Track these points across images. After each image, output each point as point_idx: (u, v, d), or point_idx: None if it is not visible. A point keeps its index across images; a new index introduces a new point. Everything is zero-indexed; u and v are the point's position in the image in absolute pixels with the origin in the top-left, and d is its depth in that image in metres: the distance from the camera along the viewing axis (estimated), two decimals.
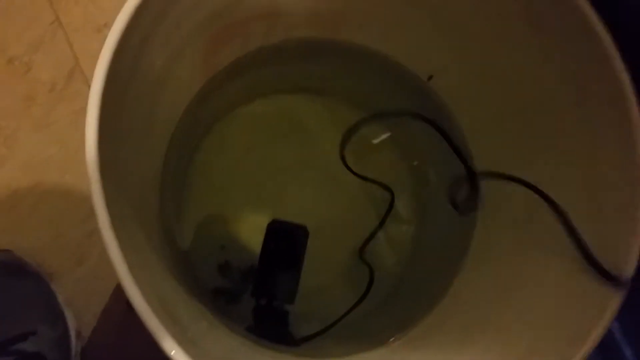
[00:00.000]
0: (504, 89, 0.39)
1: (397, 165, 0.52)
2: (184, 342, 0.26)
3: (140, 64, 0.31)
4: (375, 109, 0.50)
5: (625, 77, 0.31)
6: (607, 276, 0.29)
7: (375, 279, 0.46)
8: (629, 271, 0.28)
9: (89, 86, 0.60)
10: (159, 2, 0.30)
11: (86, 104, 0.63)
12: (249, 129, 0.50)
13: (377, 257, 0.48)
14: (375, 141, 0.52)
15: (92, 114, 0.27)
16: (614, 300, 0.29)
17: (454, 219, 0.43)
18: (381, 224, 0.48)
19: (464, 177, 0.42)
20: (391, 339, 0.40)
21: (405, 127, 0.49)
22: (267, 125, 0.51)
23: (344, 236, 0.50)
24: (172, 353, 0.24)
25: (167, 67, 0.35)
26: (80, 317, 0.51)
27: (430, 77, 0.45)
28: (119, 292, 0.52)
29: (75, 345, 0.48)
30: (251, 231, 0.48)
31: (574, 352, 0.29)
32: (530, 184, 0.36)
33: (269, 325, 0.44)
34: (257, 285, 0.45)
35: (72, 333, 0.48)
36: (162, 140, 0.41)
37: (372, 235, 0.48)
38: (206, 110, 0.46)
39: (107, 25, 0.61)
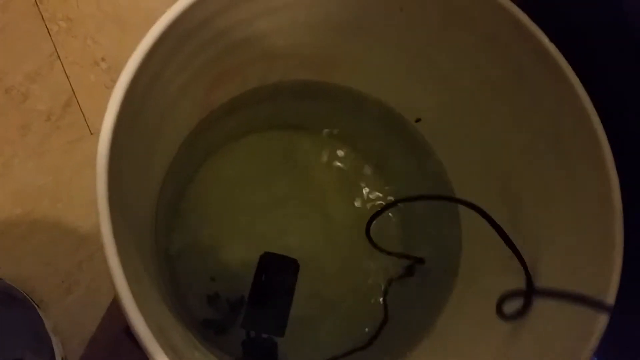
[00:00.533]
0: (488, 136, 0.42)
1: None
2: None
3: (146, 103, 0.33)
4: (366, 147, 0.52)
5: (598, 124, 0.33)
6: (592, 304, 0.31)
7: (367, 313, 0.47)
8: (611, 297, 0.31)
9: (85, 117, 0.62)
10: (170, 44, 0.32)
11: (81, 134, 0.64)
12: (242, 163, 0.52)
13: (369, 288, 0.49)
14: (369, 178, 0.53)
15: (103, 150, 0.28)
16: (599, 324, 0.31)
17: (440, 255, 0.45)
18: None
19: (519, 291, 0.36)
20: None
21: (394, 165, 0.51)
22: (261, 159, 0.53)
23: (334, 270, 0.51)
24: None
25: (171, 104, 0.37)
26: (67, 344, 0.51)
27: (418, 120, 0.47)
28: (107, 321, 0.52)
29: None
30: (241, 263, 0.49)
31: None
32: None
33: (258, 358, 0.44)
34: (246, 317, 0.46)
35: None
36: (160, 173, 0.42)
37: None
38: (202, 143, 0.48)
39: (105, 59, 0.63)
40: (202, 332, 0.47)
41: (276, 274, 0.45)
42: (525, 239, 0.38)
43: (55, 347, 0.49)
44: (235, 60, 0.40)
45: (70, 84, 0.61)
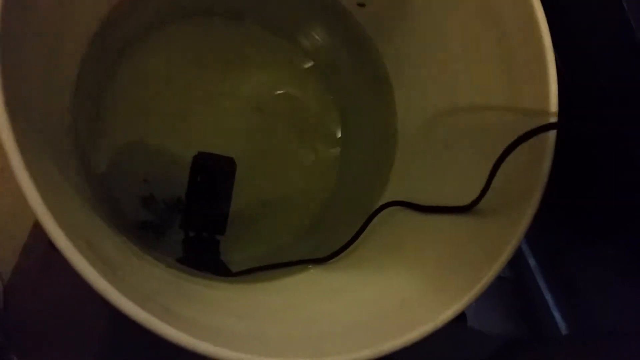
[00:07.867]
0: (427, 25, 0.40)
1: (323, 93, 0.52)
2: (115, 282, 0.25)
3: None
4: (302, 38, 0.49)
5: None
6: None
7: (303, 206, 0.47)
8: None
9: None
10: None
11: None
12: (166, 55, 0.48)
13: (306, 183, 0.48)
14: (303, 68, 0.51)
15: None
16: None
17: (376, 146, 0.45)
18: None
19: None
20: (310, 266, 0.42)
21: (330, 55, 0.49)
22: (187, 51, 0.48)
23: (272, 166, 0.50)
24: (105, 292, 0.24)
25: None
26: None
27: (361, 4, 0.44)
28: (39, 229, 0.50)
29: None
30: (175, 163, 0.47)
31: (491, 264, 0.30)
32: None
33: (200, 256, 0.44)
34: (185, 218, 0.45)
35: None
36: (71, 72, 0.38)
37: None
38: (117, 35, 0.43)
39: None
40: (141, 236, 0.46)
41: (212, 174, 0.44)
42: None
43: None
44: None
45: None
